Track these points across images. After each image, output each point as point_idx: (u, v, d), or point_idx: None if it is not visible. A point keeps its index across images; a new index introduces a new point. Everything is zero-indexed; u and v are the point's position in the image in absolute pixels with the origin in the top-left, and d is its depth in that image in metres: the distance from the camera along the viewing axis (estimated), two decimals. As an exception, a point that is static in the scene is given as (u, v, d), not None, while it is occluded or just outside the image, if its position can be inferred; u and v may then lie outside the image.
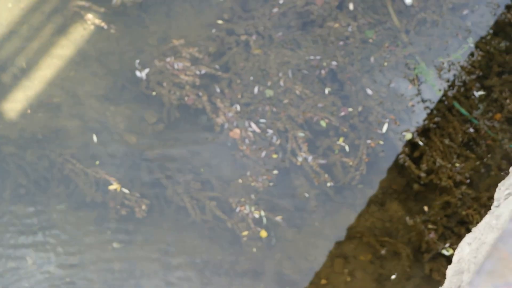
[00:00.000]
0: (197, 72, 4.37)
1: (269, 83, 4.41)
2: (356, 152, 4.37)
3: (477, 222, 4.26)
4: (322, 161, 4.35)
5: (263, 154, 4.35)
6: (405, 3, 4.48)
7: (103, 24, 4.31)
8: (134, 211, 4.20)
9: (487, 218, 2.58)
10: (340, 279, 4.23)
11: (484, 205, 4.27)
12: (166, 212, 4.24)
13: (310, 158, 4.35)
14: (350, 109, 4.41)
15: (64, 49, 4.28)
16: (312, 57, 4.43)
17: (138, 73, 4.33)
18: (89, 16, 4.30)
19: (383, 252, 4.27)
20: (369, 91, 4.42)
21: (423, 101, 4.44)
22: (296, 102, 4.40)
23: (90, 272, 4.13)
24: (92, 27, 4.31)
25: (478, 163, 4.36)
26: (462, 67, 4.43)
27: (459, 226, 4.28)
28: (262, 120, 4.38)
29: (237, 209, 4.25)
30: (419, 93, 4.43)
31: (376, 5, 4.50)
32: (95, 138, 4.26)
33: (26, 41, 4.25)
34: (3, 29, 4.23)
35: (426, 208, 4.32)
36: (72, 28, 4.30)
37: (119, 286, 4.14)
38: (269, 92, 4.42)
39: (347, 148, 4.38)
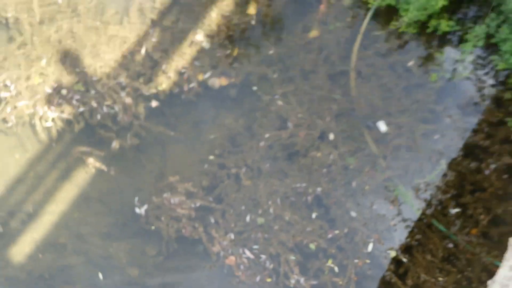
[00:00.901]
0: (193, 205, 4.69)
1: (260, 211, 4.73)
2: (345, 271, 4.66)
3: (464, 336, 4.50)
4: (314, 282, 4.63)
5: (258, 278, 4.62)
6: (381, 131, 4.88)
7: (103, 167, 4.66)
8: None
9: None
10: None
11: (468, 319, 4.53)
12: None
13: (302, 280, 4.63)
14: (337, 231, 4.72)
15: (68, 192, 4.61)
16: (298, 185, 4.78)
17: (137, 210, 4.65)
18: (91, 160, 4.66)
19: None
20: (353, 214, 4.75)
21: (404, 220, 4.76)
22: (286, 228, 4.71)
23: None
24: (93, 170, 4.66)
25: (459, 276, 4.65)
26: (438, 187, 4.79)
27: None
28: (255, 247, 4.67)
29: (236, 336, 4.49)
30: (399, 213, 4.77)
31: (355, 134, 4.89)
32: (100, 274, 4.53)
33: (32, 187, 4.58)
34: (10, 178, 4.57)
35: (414, 324, 4.57)
36: (75, 172, 4.64)
37: None
38: (261, 220, 4.74)
39: (336, 268, 4.67)
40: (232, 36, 4.97)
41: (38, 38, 4.72)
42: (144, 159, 4.73)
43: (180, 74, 4.85)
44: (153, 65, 4.84)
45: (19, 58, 4.70)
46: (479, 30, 4.79)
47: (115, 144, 4.71)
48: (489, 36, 4.85)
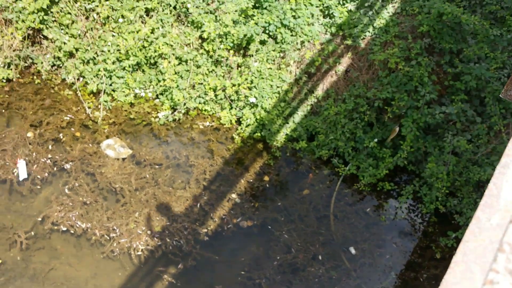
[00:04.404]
0: (231, 305, 7.19)
1: (275, 308, 7.23)
2: None
3: None
4: None
5: None
6: (352, 253, 7.52)
7: (173, 280, 7.22)
8: None
9: None
10: None
11: None
12: None
13: None
14: (326, 321, 7.19)
15: (151, 297, 7.12)
16: (299, 290, 7.32)
17: (195, 308, 7.14)
18: (165, 276, 7.23)
19: None
20: (337, 309, 7.25)
21: (370, 312, 7.26)
22: (292, 319, 7.19)
23: None
24: (167, 282, 7.21)
25: None
26: (391, 290, 7.34)
27: None
28: (273, 332, 7.11)
29: None
30: (367, 307, 7.27)
31: (335, 255, 7.53)
32: None
33: (129, 294, 7.11)
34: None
35: None
36: (155, 284, 7.19)
37: None
38: (275, 314, 7.22)
39: None
40: (255, 194, 7.79)
41: (133, 199, 7.51)
42: (199, 274, 7.30)
43: (222, 219, 7.58)
44: (204, 214, 7.60)
45: (122, 212, 7.46)
46: (409, 188, 7.63)
47: (180, 265, 7.31)
48: (415, 192, 7.70)
